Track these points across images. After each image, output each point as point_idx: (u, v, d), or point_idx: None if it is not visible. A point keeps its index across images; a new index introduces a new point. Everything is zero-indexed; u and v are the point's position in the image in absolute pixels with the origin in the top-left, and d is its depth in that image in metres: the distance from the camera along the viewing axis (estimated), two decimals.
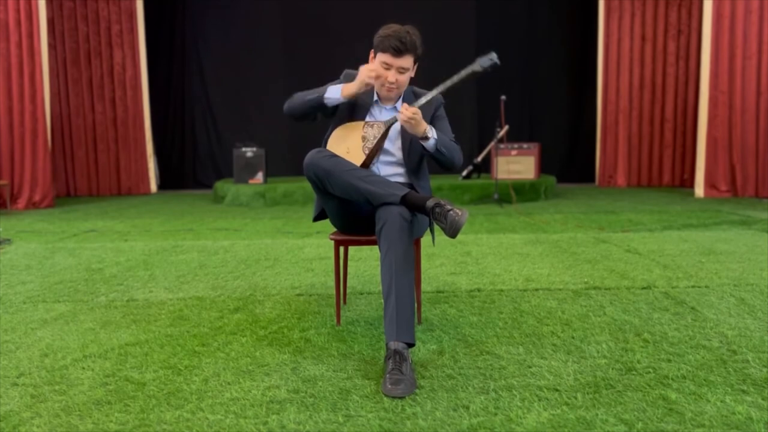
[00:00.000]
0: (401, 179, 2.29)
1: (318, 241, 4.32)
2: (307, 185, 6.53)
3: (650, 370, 1.85)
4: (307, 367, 1.92)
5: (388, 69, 2.17)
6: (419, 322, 2.36)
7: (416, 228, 2.11)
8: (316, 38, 8.99)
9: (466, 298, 2.72)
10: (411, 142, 2.24)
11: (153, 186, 8.97)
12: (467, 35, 9.14)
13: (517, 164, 7.38)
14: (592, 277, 3.07)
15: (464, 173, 7.59)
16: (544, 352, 2.03)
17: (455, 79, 2.20)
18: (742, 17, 6.96)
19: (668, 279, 3.00)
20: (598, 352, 2.02)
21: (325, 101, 2.22)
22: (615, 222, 5.07)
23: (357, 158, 2.17)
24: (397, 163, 2.29)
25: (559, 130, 9.43)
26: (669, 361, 1.92)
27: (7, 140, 6.89)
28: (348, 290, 2.82)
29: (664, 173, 8.68)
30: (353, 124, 2.25)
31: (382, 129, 2.21)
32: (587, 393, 1.69)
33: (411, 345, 1.86)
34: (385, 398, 1.68)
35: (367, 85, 2.17)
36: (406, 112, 2.06)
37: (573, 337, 2.16)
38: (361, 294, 2.83)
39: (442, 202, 1.95)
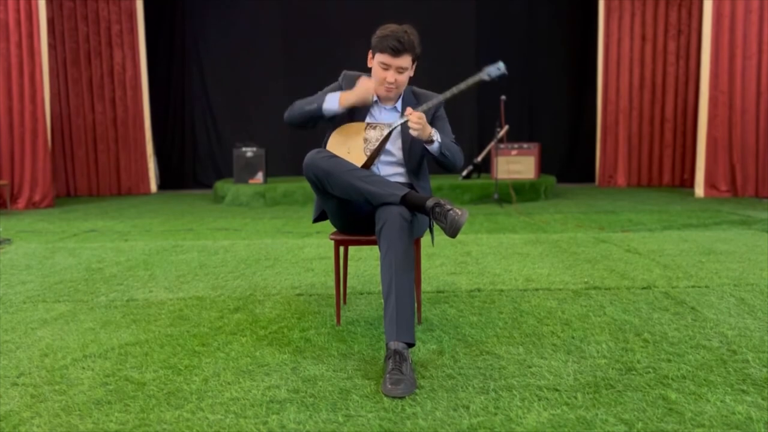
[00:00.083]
0: (401, 179, 2.29)
1: (318, 241, 4.32)
2: (307, 185, 6.52)
3: (650, 370, 1.85)
4: (307, 367, 1.92)
5: (386, 69, 2.17)
6: (419, 322, 2.36)
7: (416, 228, 2.11)
8: (316, 38, 8.99)
9: (466, 298, 2.72)
10: (411, 143, 2.24)
11: (153, 186, 8.97)
12: (467, 35, 9.15)
13: (517, 164, 7.38)
14: (592, 277, 3.07)
15: (464, 173, 7.58)
16: (544, 352, 2.03)
17: (462, 86, 2.20)
18: (742, 17, 6.96)
19: (668, 279, 3.00)
20: (598, 352, 2.02)
21: (324, 113, 2.22)
22: (615, 222, 5.07)
23: (358, 160, 2.16)
24: (397, 163, 2.29)
25: (559, 130, 9.43)
26: (669, 361, 1.92)
27: (7, 140, 6.89)
28: (348, 290, 2.82)
29: (664, 173, 8.68)
30: (355, 125, 2.25)
31: (385, 131, 2.19)
32: (587, 393, 1.69)
33: (411, 345, 1.86)
34: (385, 398, 1.68)
35: (365, 101, 2.19)
36: (414, 117, 2.06)
37: (573, 337, 2.16)
38: (361, 294, 2.83)
39: (442, 202, 1.95)
